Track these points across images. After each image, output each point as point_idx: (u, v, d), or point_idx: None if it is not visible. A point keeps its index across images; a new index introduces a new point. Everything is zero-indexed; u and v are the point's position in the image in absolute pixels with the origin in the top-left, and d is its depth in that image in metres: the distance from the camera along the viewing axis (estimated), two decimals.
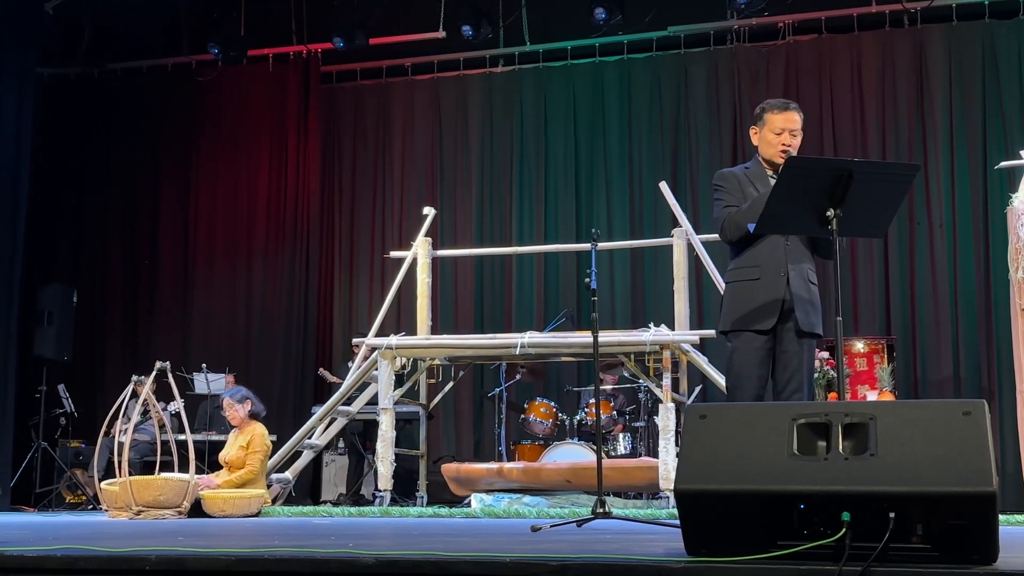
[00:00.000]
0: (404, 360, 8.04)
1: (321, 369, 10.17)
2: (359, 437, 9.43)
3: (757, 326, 4.24)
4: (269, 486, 7.56)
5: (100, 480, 7.02)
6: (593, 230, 5.66)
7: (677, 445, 6.81)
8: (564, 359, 8.24)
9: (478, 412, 10.38)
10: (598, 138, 10.59)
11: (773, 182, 4.04)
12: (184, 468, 7.00)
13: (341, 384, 9.73)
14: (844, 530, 2.58)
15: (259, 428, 7.45)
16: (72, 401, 9.91)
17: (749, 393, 4.22)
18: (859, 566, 2.48)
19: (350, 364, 8.81)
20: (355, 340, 8.60)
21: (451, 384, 8.81)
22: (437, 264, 9.19)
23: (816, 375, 7.99)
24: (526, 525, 4.83)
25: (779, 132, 4.35)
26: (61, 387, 9.88)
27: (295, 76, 11.11)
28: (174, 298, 11.11)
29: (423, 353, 7.99)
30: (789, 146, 4.32)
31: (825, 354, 8.06)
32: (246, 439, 7.39)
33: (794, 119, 4.37)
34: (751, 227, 4.23)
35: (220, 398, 7.73)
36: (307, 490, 9.81)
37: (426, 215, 8.65)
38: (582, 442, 7.92)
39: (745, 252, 4.34)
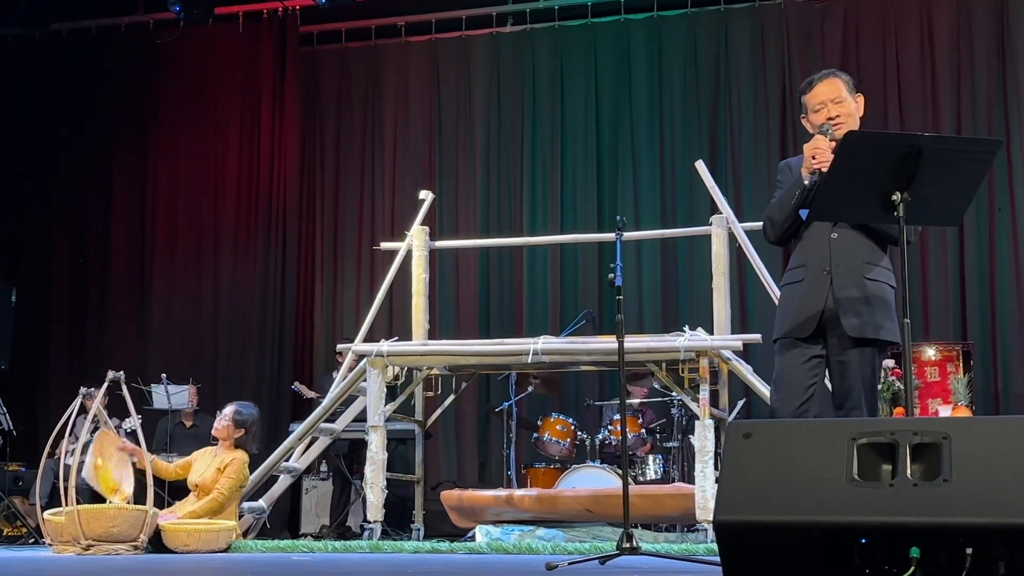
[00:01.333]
0: (397, 370, 8.04)
1: (296, 383, 10.18)
2: (344, 459, 9.44)
3: (799, 332, 4.28)
4: (240, 516, 7.58)
5: (43, 509, 7.03)
6: (618, 217, 5.65)
7: (716, 469, 6.80)
8: (584, 368, 8.24)
9: (483, 430, 10.39)
10: (623, 110, 10.59)
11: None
12: (141, 495, 7.01)
13: (320, 400, 9.75)
14: (913, 568, 2.58)
15: (241, 455, 7.47)
16: (10, 417, 9.93)
17: (789, 406, 4.25)
18: None
19: (334, 375, 8.82)
20: (340, 347, 8.61)
21: (452, 398, 8.81)
22: (435, 257, 9.19)
23: (879, 387, 7.97)
24: (540, 562, 4.83)
25: (818, 109, 4.36)
26: None
27: (269, 38, 11.13)
28: (129, 297, 11.14)
29: (419, 361, 7.99)
30: (836, 116, 4.33)
31: (890, 362, 8.04)
32: (223, 462, 7.41)
33: (829, 87, 4.37)
34: (803, 214, 4.24)
35: (226, 405, 7.76)
36: (284, 521, 9.83)
37: (423, 200, 8.65)
38: (605, 465, 7.92)
39: (795, 251, 4.40)
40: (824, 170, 4.07)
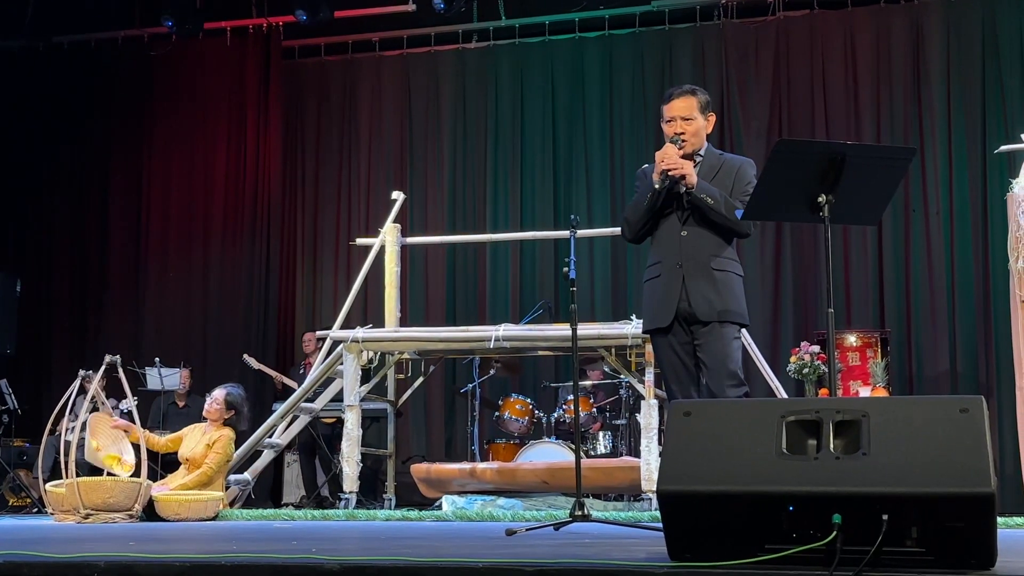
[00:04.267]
0: (371, 354, 8.02)
1: (246, 356, 10.06)
2: (312, 431, 9.35)
3: (659, 324, 4.34)
4: (227, 488, 7.54)
5: (45, 481, 6.97)
6: (572, 216, 5.65)
7: (660, 444, 6.83)
8: (541, 353, 8.25)
9: (450, 409, 10.38)
10: (577, 119, 10.59)
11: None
12: (136, 469, 6.96)
13: (267, 372, 9.72)
14: (835, 533, 2.60)
15: (228, 432, 7.44)
16: (15, 397, 9.83)
17: (676, 395, 4.32)
18: (851, 571, 2.50)
19: (301, 370, 8.78)
20: (319, 333, 8.52)
21: (421, 380, 8.80)
22: (406, 252, 9.16)
23: (806, 370, 8.03)
24: (500, 528, 4.83)
25: (669, 120, 4.46)
26: (3, 382, 9.81)
27: (255, 51, 11.05)
28: (125, 288, 11.05)
29: (391, 347, 7.97)
30: (682, 133, 4.39)
31: (816, 348, 8.10)
32: (212, 439, 7.37)
33: (683, 104, 4.49)
34: (739, 213, 4.27)
35: (215, 388, 7.70)
36: (267, 492, 9.78)
37: (395, 200, 8.63)
38: (560, 441, 7.93)
39: (651, 249, 4.53)
40: (672, 173, 4.16)
